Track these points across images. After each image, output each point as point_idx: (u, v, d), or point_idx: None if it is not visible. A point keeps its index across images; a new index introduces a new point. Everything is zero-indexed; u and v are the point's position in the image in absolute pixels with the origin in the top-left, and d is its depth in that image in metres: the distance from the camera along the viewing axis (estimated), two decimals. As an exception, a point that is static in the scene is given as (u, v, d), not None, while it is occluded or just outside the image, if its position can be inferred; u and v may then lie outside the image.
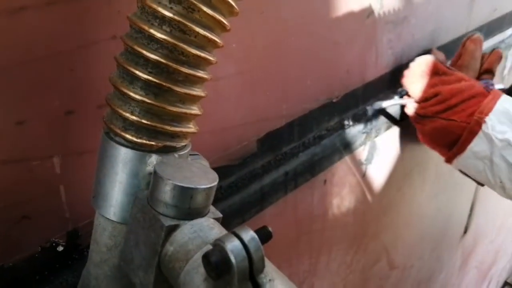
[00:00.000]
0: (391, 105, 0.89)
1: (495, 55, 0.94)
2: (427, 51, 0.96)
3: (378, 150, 0.95)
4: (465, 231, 1.82)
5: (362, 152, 0.90)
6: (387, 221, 1.13)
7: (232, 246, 0.28)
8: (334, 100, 0.79)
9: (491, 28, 1.25)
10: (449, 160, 0.84)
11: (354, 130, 0.85)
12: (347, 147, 0.84)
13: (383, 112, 0.90)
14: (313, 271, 0.90)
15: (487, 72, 0.93)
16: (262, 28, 0.60)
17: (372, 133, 0.90)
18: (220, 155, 0.61)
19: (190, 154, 0.44)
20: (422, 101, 0.83)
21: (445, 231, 1.61)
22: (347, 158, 0.86)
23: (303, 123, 0.73)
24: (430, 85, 0.83)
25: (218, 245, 0.28)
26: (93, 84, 0.46)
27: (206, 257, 0.28)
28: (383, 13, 0.82)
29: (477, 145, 0.77)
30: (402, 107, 0.91)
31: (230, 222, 0.64)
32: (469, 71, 0.91)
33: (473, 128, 0.77)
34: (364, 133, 0.87)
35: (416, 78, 0.85)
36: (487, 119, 0.76)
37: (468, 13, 1.12)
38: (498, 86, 0.88)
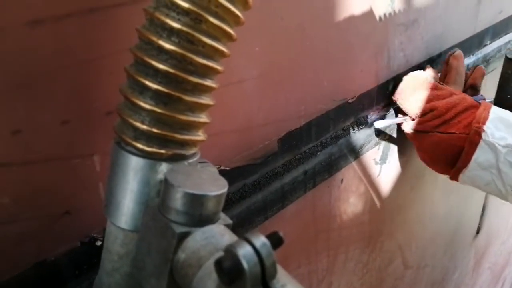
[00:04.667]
0: (387, 125, 0.88)
1: (479, 72, 0.95)
2: (431, 60, 0.96)
3: (391, 150, 0.94)
4: (478, 231, 1.79)
5: (377, 152, 0.90)
6: (401, 220, 1.12)
7: (244, 251, 0.27)
8: (349, 101, 0.79)
9: (497, 30, 1.24)
10: (454, 176, 0.82)
11: (369, 131, 0.85)
12: (362, 147, 0.84)
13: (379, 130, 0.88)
14: (331, 270, 0.89)
15: (471, 87, 0.93)
16: (282, 33, 0.61)
17: (387, 133, 0.89)
18: (244, 154, 0.62)
19: (199, 162, 0.43)
20: (419, 116, 0.82)
21: (458, 231, 1.58)
22: (362, 158, 0.86)
23: (320, 123, 0.74)
24: (426, 100, 0.82)
25: (230, 251, 0.27)
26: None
27: (218, 263, 0.28)
28: (394, 16, 0.81)
29: (481, 155, 0.75)
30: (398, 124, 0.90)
31: (253, 219, 0.65)
32: (456, 87, 0.91)
33: (473, 138, 0.75)
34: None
35: (409, 93, 0.84)
36: (485, 127, 0.75)
37: (475, 15, 1.10)
38: (488, 100, 0.89)
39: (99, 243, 0.50)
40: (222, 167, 0.58)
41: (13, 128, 0.41)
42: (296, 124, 0.68)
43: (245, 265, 0.27)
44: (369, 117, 0.84)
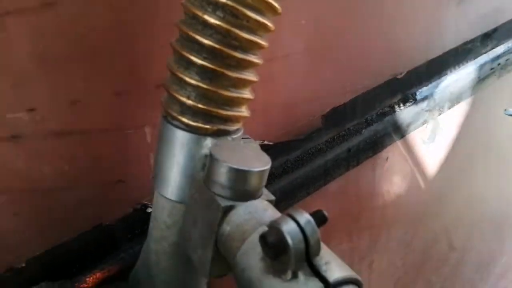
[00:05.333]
0: None
1: None
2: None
3: (440, 128, 0.91)
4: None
5: (424, 131, 0.87)
6: (448, 201, 1.08)
7: (289, 228, 0.27)
8: (398, 77, 0.76)
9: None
10: None
11: (417, 108, 0.82)
12: (410, 125, 0.82)
13: None
14: (373, 248, 0.89)
15: None
16: (330, 6, 0.60)
17: (435, 111, 0.85)
18: (289, 129, 0.62)
19: (242, 138, 0.44)
20: None
21: (507, 213, 1.51)
22: (409, 136, 0.84)
23: (366, 100, 0.72)
24: None
25: (274, 227, 0.28)
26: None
27: (263, 238, 0.28)
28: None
29: None
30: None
31: (295, 195, 0.65)
32: None
33: None
34: (427, 111, 0.84)
35: None
36: None
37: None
38: None
39: (149, 210, 0.52)
40: (265, 142, 0.58)
41: (72, 98, 0.43)
42: (341, 100, 0.67)
43: (289, 241, 0.27)
44: (417, 94, 0.81)
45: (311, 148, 0.65)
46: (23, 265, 0.47)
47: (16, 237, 0.45)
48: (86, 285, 0.51)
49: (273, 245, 0.27)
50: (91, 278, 0.51)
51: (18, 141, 0.41)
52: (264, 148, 0.41)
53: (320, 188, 0.68)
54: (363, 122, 0.72)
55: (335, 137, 0.68)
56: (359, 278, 0.29)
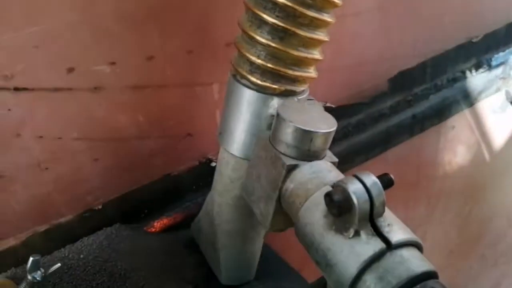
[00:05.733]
0: None
1: None
2: None
3: (513, 98, 0.85)
4: None
5: (496, 99, 0.82)
6: (512, 176, 1.03)
7: (355, 188, 0.28)
8: (473, 40, 0.72)
9: None
10: None
11: (491, 75, 0.77)
12: (481, 92, 0.78)
13: None
14: (429, 218, 0.88)
15: None
16: None
17: (510, 79, 0.80)
18: (352, 92, 0.62)
19: (307, 99, 0.44)
20: None
21: None
22: (478, 105, 0.80)
23: (436, 64, 0.69)
24: None
25: (340, 186, 0.29)
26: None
27: (328, 196, 0.29)
28: None
29: None
30: None
31: (354, 159, 0.66)
32: None
33: None
34: (501, 78, 0.78)
35: None
36: None
37: None
38: None
39: (214, 164, 0.55)
40: (328, 104, 0.58)
41: (148, 54, 0.45)
42: (410, 63, 0.65)
43: (355, 200, 0.28)
44: (493, 59, 0.76)
45: (374, 112, 0.64)
46: (100, 207, 0.52)
47: (95, 181, 0.50)
48: (154, 229, 0.56)
49: (339, 203, 0.28)
50: (159, 223, 0.56)
51: (100, 92, 0.44)
52: (326, 110, 0.41)
53: (380, 154, 0.68)
54: (431, 87, 0.70)
55: (400, 102, 0.67)
56: (419, 241, 0.30)
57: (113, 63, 0.44)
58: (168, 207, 0.56)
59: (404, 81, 0.66)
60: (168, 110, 0.50)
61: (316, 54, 0.40)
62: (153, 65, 0.46)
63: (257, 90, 0.41)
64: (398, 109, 0.67)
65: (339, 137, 0.62)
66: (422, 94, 0.69)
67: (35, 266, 0.39)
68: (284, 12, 0.37)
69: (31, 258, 0.39)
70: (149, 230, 0.56)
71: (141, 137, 0.49)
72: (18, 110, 0.41)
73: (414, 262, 0.28)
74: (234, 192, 0.47)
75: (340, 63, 0.56)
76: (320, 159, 0.38)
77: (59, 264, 0.41)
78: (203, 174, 0.56)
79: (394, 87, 0.65)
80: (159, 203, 0.55)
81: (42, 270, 0.40)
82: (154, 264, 0.53)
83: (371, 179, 0.28)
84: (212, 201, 0.50)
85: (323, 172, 0.36)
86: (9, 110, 0.41)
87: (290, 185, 0.36)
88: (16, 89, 0.40)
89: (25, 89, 0.40)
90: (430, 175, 0.81)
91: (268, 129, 0.41)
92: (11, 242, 0.48)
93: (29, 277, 0.40)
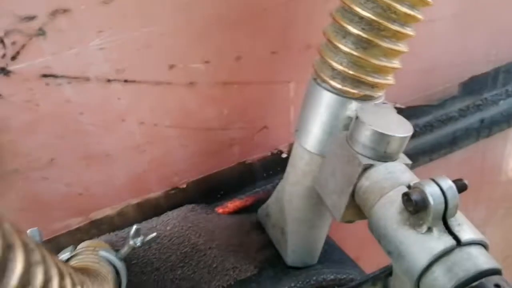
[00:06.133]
0: None
1: None
2: None
3: None
4: None
5: None
6: None
7: (432, 190, 0.32)
8: None
9: None
10: None
11: None
12: None
13: None
14: (488, 221, 0.88)
15: None
16: None
17: None
18: (421, 94, 0.65)
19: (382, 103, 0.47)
20: None
21: None
22: None
23: (509, 70, 0.70)
24: None
25: (418, 188, 0.32)
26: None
27: (407, 195, 0.33)
28: None
29: None
30: None
31: (418, 158, 0.68)
32: None
33: None
34: None
35: None
36: None
37: None
38: None
39: (284, 155, 0.60)
40: (397, 105, 0.61)
41: (237, 54, 0.51)
42: (482, 68, 0.66)
43: (431, 201, 0.31)
44: None
45: (442, 115, 0.66)
46: (184, 186, 0.58)
47: (182, 164, 0.57)
48: (227, 210, 0.62)
49: (416, 202, 0.32)
50: (232, 204, 0.62)
51: (194, 87, 0.50)
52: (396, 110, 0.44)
53: (444, 156, 0.70)
54: (502, 93, 0.70)
55: (470, 106, 0.68)
56: (487, 241, 0.33)
57: (207, 62, 0.49)
58: (241, 191, 0.62)
59: (475, 86, 0.67)
60: (249, 104, 0.55)
61: (395, 64, 0.44)
62: (240, 64, 0.51)
63: (337, 94, 0.45)
64: (467, 113, 0.68)
65: (406, 136, 0.65)
66: (492, 99, 0.69)
67: (137, 233, 0.46)
68: (370, 26, 0.41)
69: (134, 226, 0.46)
70: (222, 209, 0.62)
71: (224, 128, 0.55)
72: (125, 99, 0.48)
73: (481, 259, 0.31)
74: (305, 184, 0.52)
75: (413, 66, 0.59)
76: (393, 161, 0.42)
77: (155, 234, 0.48)
78: (274, 164, 0.62)
79: (464, 91, 0.67)
80: (233, 186, 0.62)
81: (142, 237, 0.47)
82: (227, 241, 0.59)
83: (447, 183, 0.32)
84: (283, 190, 0.55)
85: (397, 173, 0.40)
86: (118, 98, 0.48)
87: (365, 182, 0.41)
88: (126, 81, 0.47)
89: (133, 81, 0.47)
90: (493, 180, 0.81)
91: (344, 129, 0.45)
92: (107, 211, 0.56)
93: (131, 242, 0.47)
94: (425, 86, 0.63)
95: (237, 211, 0.63)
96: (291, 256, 0.56)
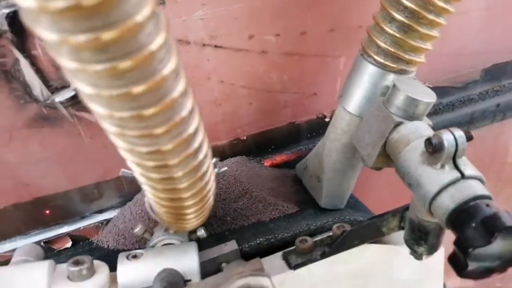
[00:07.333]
0: None
1: None
2: None
3: None
4: None
5: None
6: None
7: (447, 137, 0.43)
8: None
9: None
10: None
11: None
12: None
13: None
14: (494, 200, 0.96)
15: None
16: None
17: None
18: (449, 76, 0.74)
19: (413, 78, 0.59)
20: None
21: None
22: None
23: None
24: None
25: (437, 135, 0.44)
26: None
27: (428, 140, 0.45)
28: None
29: None
30: None
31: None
32: None
33: None
34: None
35: None
36: None
37: None
38: None
39: (327, 119, 0.72)
40: (426, 84, 0.71)
41: (301, 30, 0.62)
42: (504, 58, 0.74)
43: (446, 144, 0.43)
44: None
45: (463, 96, 0.76)
46: (245, 138, 0.71)
47: (246, 119, 0.70)
48: (275, 162, 0.75)
49: (435, 145, 0.44)
50: (279, 158, 0.75)
51: (264, 55, 0.63)
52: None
53: (461, 134, 0.80)
54: (519, 81, 0.79)
55: (489, 90, 0.77)
56: (484, 178, 0.45)
57: (277, 35, 0.62)
58: (288, 147, 0.75)
59: (496, 73, 0.76)
60: (304, 73, 0.67)
61: (428, 46, 0.55)
62: (303, 38, 0.63)
63: (379, 67, 0.57)
64: (486, 97, 0.77)
65: (429, 113, 0.75)
66: (509, 86, 0.78)
67: (215, 165, 0.60)
68: (411, 14, 0.52)
69: (214, 159, 0.60)
70: (271, 161, 0.75)
71: (282, 91, 0.68)
72: (213, 61, 0.61)
73: (478, 188, 0.43)
74: (343, 141, 0.64)
75: (443, 50, 0.68)
76: (419, 121, 0.54)
77: (226, 168, 0.62)
78: (317, 126, 0.74)
79: (486, 76, 0.76)
80: (282, 143, 0.74)
81: (217, 169, 0.60)
82: (270, 187, 0.72)
83: (459, 133, 0.44)
84: (324, 145, 0.68)
85: (421, 129, 0.52)
86: (208, 60, 0.61)
87: (395, 135, 0.53)
88: (216, 46, 0.60)
89: (221, 47, 0.60)
90: (502, 161, 0.89)
91: (381, 96, 0.57)
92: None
93: (208, 171, 0.60)
94: (452, 70, 0.72)
95: (282, 164, 0.76)
96: (324, 200, 0.69)
